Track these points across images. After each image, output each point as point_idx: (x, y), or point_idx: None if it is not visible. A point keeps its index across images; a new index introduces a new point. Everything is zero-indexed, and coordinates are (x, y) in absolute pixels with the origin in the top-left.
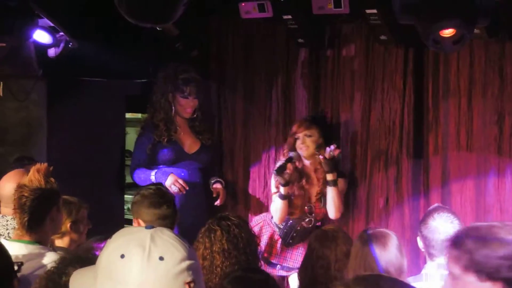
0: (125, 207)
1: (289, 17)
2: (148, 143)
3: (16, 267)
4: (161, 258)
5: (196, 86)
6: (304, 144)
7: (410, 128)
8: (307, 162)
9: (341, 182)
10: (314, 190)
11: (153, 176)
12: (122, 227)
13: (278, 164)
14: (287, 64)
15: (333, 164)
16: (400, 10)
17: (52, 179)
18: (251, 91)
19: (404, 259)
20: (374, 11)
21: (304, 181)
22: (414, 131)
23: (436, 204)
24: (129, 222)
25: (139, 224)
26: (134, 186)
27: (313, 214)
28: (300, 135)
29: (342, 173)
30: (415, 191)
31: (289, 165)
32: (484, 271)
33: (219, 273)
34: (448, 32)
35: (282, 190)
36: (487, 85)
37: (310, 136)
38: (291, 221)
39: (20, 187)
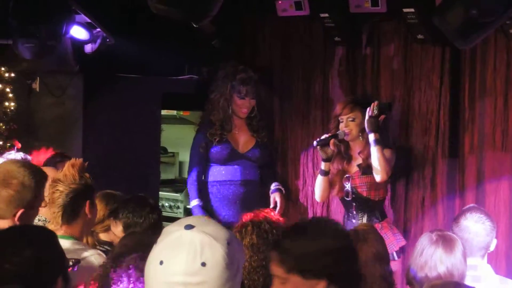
0: (160, 204)
1: (326, 15)
2: (202, 141)
3: (70, 263)
4: (203, 264)
5: (254, 87)
6: (348, 127)
7: (446, 127)
8: (351, 144)
9: (387, 151)
10: (354, 168)
11: (194, 202)
12: None
13: (322, 137)
14: (324, 62)
15: (376, 123)
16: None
17: (87, 175)
18: (288, 89)
19: (466, 266)
20: (412, 10)
21: (345, 162)
22: (450, 130)
23: (471, 204)
24: (164, 219)
25: None
26: (169, 183)
27: (349, 184)
28: (344, 117)
29: (390, 143)
30: (450, 191)
31: (332, 141)
32: (307, 270)
33: (247, 267)
34: None
35: (322, 165)
36: None
37: (353, 119)
38: None
39: (54, 181)
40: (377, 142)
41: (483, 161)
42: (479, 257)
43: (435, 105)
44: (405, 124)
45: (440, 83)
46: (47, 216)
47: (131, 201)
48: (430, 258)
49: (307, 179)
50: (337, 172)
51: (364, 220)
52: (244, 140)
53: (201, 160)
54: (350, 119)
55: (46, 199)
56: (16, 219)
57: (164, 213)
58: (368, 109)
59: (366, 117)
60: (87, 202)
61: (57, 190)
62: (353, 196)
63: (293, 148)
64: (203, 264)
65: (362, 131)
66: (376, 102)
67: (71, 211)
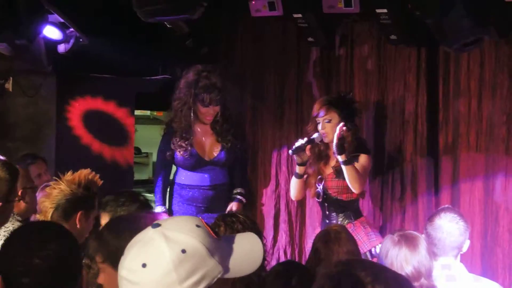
0: None
1: (299, 15)
2: (168, 149)
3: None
4: (143, 265)
5: (217, 94)
6: (325, 129)
7: (423, 127)
8: (330, 144)
9: (363, 157)
10: (330, 169)
11: (158, 209)
12: None
13: (297, 144)
14: (299, 63)
15: (342, 146)
16: None
17: (95, 190)
18: (260, 90)
19: (432, 261)
20: (385, 10)
21: (322, 163)
22: (426, 130)
23: (446, 205)
24: None
25: None
26: (143, 183)
27: (322, 186)
28: (320, 119)
29: (365, 149)
30: (427, 191)
31: (309, 147)
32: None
33: None
34: None
35: (297, 169)
36: (496, 86)
37: (329, 121)
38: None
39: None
40: (345, 163)
41: (457, 161)
42: (452, 257)
43: (411, 105)
44: (380, 125)
45: (416, 83)
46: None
47: (122, 196)
48: (395, 259)
49: (280, 180)
50: (313, 174)
51: (339, 219)
52: (209, 146)
53: (167, 165)
54: (326, 121)
55: (47, 190)
56: None
57: None
58: (336, 132)
59: (334, 141)
60: (80, 212)
61: (59, 187)
62: (324, 197)
63: (264, 149)
64: (144, 265)
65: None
66: (342, 124)
67: (62, 212)
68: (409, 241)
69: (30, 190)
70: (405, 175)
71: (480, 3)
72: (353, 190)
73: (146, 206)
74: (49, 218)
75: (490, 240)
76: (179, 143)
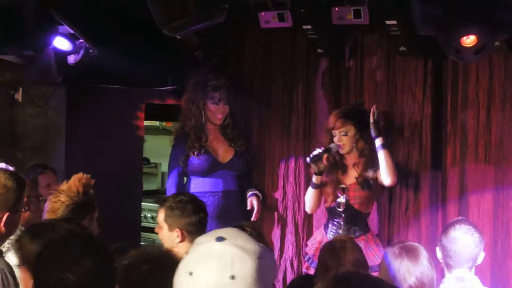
0: (142, 215)
1: (309, 27)
2: (181, 155)
3: None
4: (232, 277)
5: (227, 93)
6: (341, 141)
7: (428, 139)
8: (345, 156)
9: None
10: (350, 179)
11: None
12: (139, 234)
13: (315, 152)
14: (307, 74)
15: (379, 127)
16: (421, 21)
17: (91, 191)
18: (268, 100)
19: (434, 271)
20: (394, 22)
21: (340, 172)
22: (432, 142)
23: (460, 217)
24: (146, 230)
25: (182, 235)
26: (152, 194)
27: (344, 196)
28: (336, 131)
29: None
30: (433, 203)
31: (326, 156)
32: None
33: None
34: (469, 41)
35: (314, 178)
36: (506, 98)
37: (345, 133)
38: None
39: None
40: (383, 146)
41: (465, 173)
42: (467, 269)
43: (418, 117)
44: (388, 136)
45: (423, 95)
46: None
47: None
48: (398, 272)
49: (287, 191)
50: (330, 182)
51: (356, 233)
52: (223, 150)
53: (180, 175)
54: (343, 133)
55: (48, 206)
56: (2, 224)
57: (146, 224)
58: (370, 114)
59: (371, 121)
60: (86, 218)
61: (59, 200)
62: (345, 207)
63: (272, 159)
64: (232, 277)
65: (356, 143)
66: (374, 106)
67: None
68: (410, 253)
69: (35, 198)
70: (409, 187)
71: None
72: (387, 181)
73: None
74: None
75: (500, 252)
76: (195, 145)
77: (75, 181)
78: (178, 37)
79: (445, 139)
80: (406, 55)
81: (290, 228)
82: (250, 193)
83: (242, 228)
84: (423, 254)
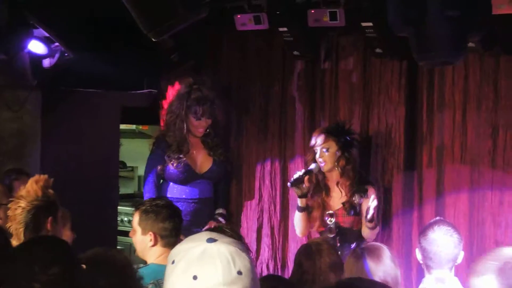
0: (119, 219)
1: (285, 29)
2: (159, 161)
3: None
4: (239, 273)
5: (209, 106)
6: (322, 157)
7: (401, 140)
8: (327, 175)
9: (372, 190)
10: (335, 202)
11: None
12: (116, 238)
13: (295, 176)
14: (283, 76)
15: (376, 217)
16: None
17: (51, 191)
18: (246, 103)
19: (398, 270)
20: (370, 24)
21: (324, 193)
22: (405, 143)
23: (437, 218)
24: (123, 234)
25: (155, 239)
26: (128, 197)
27: (334, 221)
28: (318, 148)
29: (369, 181)
30: (408, 204)
31: (307, 178)
32: None
33: None
34: None
35: (299, 201)
36: (481, 98)
37: (327, 150)
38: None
39: (16, 198)
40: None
41: (441, 174)
42: (447, 270)
43: (394, 119)
44: (365, 138)
45: (398, 96)
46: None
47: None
48: (361, 273)
49: (263, 194)
50: (317, 206)
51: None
52: (201, 160)
53: (157, 180)
54: (324, 150)
55: (9, 213)
56: None
57: (123, 228)
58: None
59: (370, 213)
60: (50, 219)
61: (19, 206)
62: (337, 231)
63: (248, 162)
64: (239, 273)
65: (338, 160)
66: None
67: (33, 227)
68: (372, 253)
69: (5, 206)
70: (383, 188)
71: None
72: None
73: None
74: (22, 239)
75: (476, 253)
76: (174, 156)
77: (33, 185)
78: (154, 39)
79: (420, 140)
80: (382, 57)
81: (266, 230)
82: (217, 218)
83: (222, 230)
84: (386, 253)
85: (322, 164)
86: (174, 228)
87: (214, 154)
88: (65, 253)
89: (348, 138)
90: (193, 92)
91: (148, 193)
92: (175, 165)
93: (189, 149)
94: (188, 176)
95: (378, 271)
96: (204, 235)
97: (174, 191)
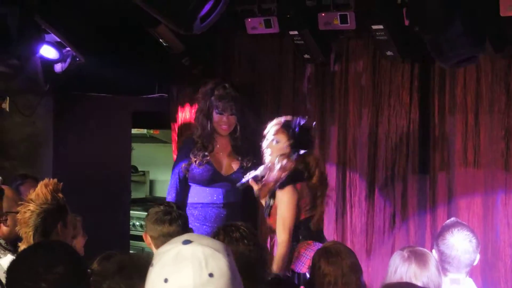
0: (130, 223)
1: (295, 32)
2: (184, 161)
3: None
4: (210, 275)
5: (233, 103)
6: (270, 148)
7: (415, 143)
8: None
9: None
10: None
11: None
12: (128, 242)
13: (243, 180)
14: (294, 80)
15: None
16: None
17: (60, 195)
18: (256, 106)
19: (441, 278)
20: (381, 27)
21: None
22: (419, 147)
23: (453, 219)
24: (135, 238)
25: (146, 238)
26: (140, 202)
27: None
28: (269, 137)
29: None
30: (421, 207)
31: (251, 181)
32: None
33: None
34: None
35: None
36: (493, 101)
37: (277, 142)
38: None
39: (26, 201)
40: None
41: (454, 177)
42: (464, 273)
43: (405, 122)
44: (374, 141)
45: (409, 99)
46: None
47: None
48: (405, 275)
49: None
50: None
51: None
52: (227, 162)
53: (182, 181)
54: (274, 141)
55: (18, 217)
56: None
57: (135, 232)
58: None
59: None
60: (59, 223)
61: (29, 209)
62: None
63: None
64: (211, 275)
65: (281, 156)
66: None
67: (42, 231)
68: (419, 258)
69: (14, 214)
70: (399, 191)
71: (477, 19)
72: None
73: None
74: (31, 243)
75: (491, 256)
76: (199, 153)
77: (42, 188)
78: (187, 33)
79: (433, 143)
80: (392, 60)
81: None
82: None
83: (236, 226)
84: (432, 260)
85: (267, 154)
86: (176, 233)
87: (243, 159)
88: (67, 253)
89: (302, 136)
90: (217, 89)
91: (171, 194)
92: (197, 162)
93: (214, 147)
94: (211, 177)
95: (423, 276)
96: (183, 237)
97: (198, 195)
